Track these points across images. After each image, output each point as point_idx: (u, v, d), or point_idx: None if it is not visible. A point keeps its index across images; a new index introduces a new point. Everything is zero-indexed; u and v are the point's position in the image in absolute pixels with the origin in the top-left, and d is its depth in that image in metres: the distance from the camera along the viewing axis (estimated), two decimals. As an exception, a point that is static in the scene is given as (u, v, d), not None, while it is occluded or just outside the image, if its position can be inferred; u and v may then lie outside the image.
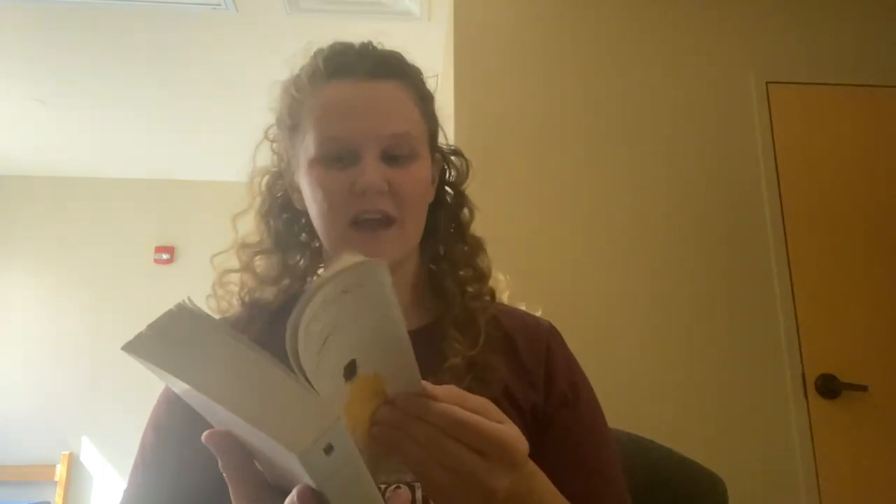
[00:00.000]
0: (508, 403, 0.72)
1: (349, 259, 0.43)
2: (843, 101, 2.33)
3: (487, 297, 0.82)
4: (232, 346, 0.42)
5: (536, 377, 0.76)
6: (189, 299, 0.46)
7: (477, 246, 0.85)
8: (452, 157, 0.87)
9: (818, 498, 1.96)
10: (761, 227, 2.19)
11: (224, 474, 0.44)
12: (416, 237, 0.78)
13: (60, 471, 3.75)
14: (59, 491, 3.71)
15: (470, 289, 0.81)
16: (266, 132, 0.85)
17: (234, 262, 0.83)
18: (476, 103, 2.22)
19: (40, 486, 3.73)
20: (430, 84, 0.84)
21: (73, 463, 3.81)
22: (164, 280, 3.95)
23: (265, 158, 0.85)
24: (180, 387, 0.43)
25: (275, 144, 0.84)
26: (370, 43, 0.79)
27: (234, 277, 0.82)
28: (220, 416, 0.44)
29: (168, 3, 2.50)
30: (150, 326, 0.42)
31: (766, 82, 2.32)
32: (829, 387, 2.05)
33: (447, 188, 0.86)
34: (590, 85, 2.29)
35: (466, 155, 0.88)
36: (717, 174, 2.24)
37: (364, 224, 0.72)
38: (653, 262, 2.14)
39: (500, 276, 0.88)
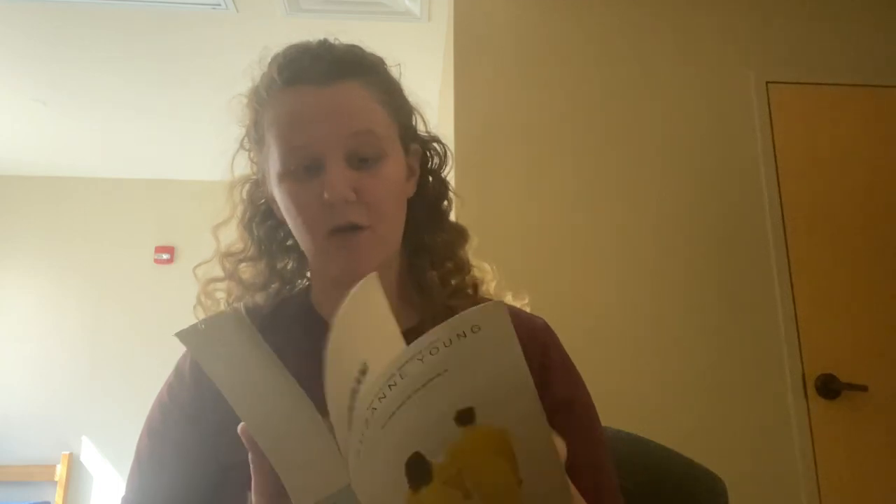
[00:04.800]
0: None
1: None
2: (843, 101, 2.33)
3: (469, 291, 0.81)
4: (271, 370, 0.42)
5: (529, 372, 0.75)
6: (242, 306, 0.47)
7: (458, 235, 0.83)
8: (433, 144, 0.84)
9: (818, 498, 1.96)
10: (761, 227, 2.19)
11: (251, 465, 0.46)
12: (394, 240, 0.76)
13: (60, 471, 3.75)
14: (59, 491, 3.71)
15: (452, 282, 0.80)
16: (241, 142, 0.83)
17: (218, 272, 0.81)
18: (476, 103, 2.22)
19: (40, 486, 3.73)
20: (395, 73, 0.80)
21: (73, 463, 3.81)
22: (164, 280, 3.95)
23: (242, 166, 0.84)
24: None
25: (251, 153, 0.82)
26: (326, 41, 0.76)
27: (220, 286, 0.80)
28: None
29: (168, 3, 2.50)
30: (205, 321, 0.44)
31: (766, 82, 2.32)
32: (829, 387, 2.04)
33: (429, 177, 0.83)
34: (589, 85, 2.29)
35: (446, 142, 0.86)
36: (717, 174, 2.24)
37: (339, 234, 0.70)
38: (652, 263, 2.14)
39: (487, 266, 0.87)
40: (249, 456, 0.46)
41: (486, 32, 2.32)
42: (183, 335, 0.43)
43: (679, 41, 2.37)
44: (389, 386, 0.39)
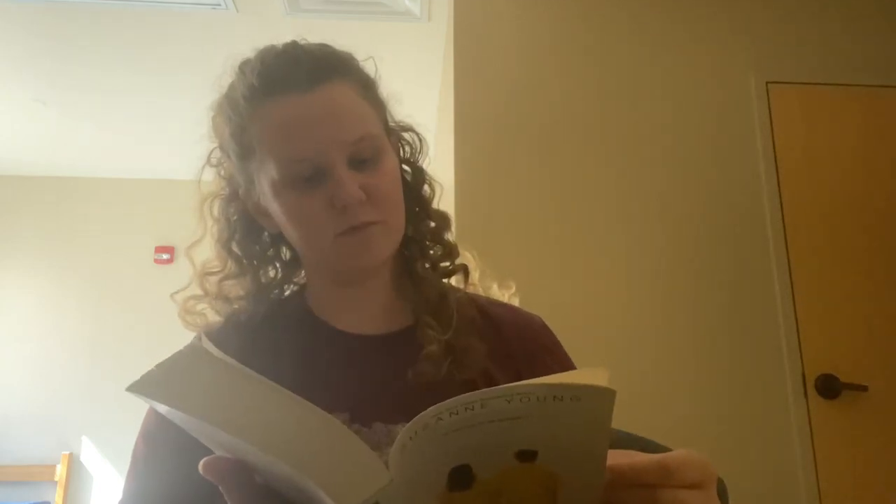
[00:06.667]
0: (488, 387, 0.71)
1: (581, 376, 0.41)
2: (843, 101, 2.33)
3: (461, 274, 0.82)
4: (265, 390, 0.41)
5: (525, 369, 0.76)
6: (201, 336, 0.45)
7: (442, 221, 0.83)
8: (404, 135, 0.84)
9: (818, 498, 1.96)
10: (761, 227, 2.19)
11: (226, 497, 0.44)
12: (402, 229, 0.76)
13: (60, 471, 3.75)
14: (59, 491, 3.71)
15: (442, 266, 0.81)
16: (209, 157, 0.82)
17: (198, 290, 0.79)
18: (477, 103, 2.22)
19: (40, 486, 3.73)
20: (368, 68, 0.78)
21: (73, 463, 3.81)
22: (164, 280, 3.93)
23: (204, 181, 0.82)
24: (173, 414, 0.42)
25: (221, 170, 0.81)
26: (296, 43, 0.74)
27: (203, 305, 0.79)
28: (221, 439, 0.43)
29: (168, 3, 2.50)
30: (160, 366, 0.41)
31: (766, 82, 2.32)
32: (829, 387, 2.04)
33: (405, 167, 0.83)
34: (590, 85, 2.29)
35: (419, 130, 0.85)
36: (718, 174, 2.24)
37: (352, 232, 0.70)
38: (653, 263, 2.14)
39: (469, 255, 0.87)
40: (222, 489, 0.43)
41: (486, 32, 2.32)
42: (139, 387, 0.40)
43: (679, 42, 2.37)
44: (466, 408, 0.38)
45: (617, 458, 0.43)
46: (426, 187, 0.84)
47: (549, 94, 2.26)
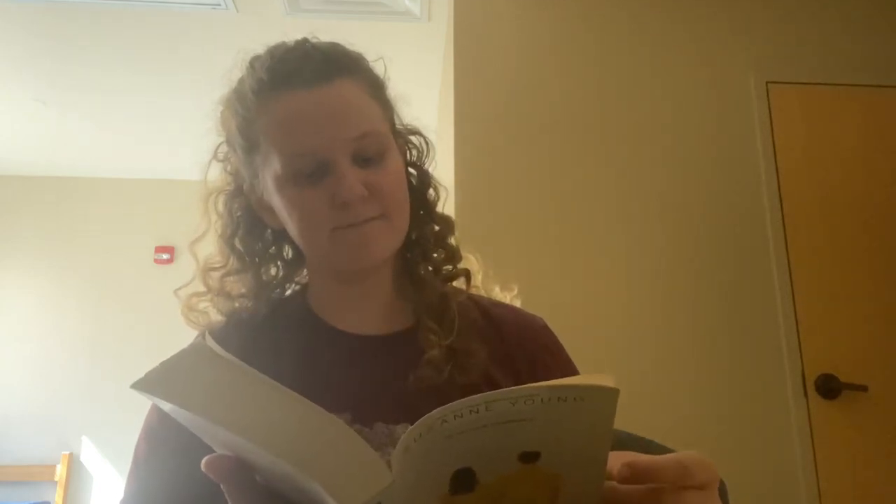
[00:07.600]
0: (490, 389, 0.72)
1: (585, 378, 0.42)
2: (843, 101, 2.33)
3: (462, 278, 0.82)
4: (268, 389, 0.41)
5: (525, 370, 0.76)
6: (205, 335, 0.45)
7: (446, 225, 0.83)
8: (411, 138, 0.84)
9: (818, 498, 1.96)
10: (761, 227, 2.19)
11: (227, 496, 0.44)
12: (404, 229, 0.76)
13: (60, 471, 3.75)
14: (59, 491, 3.71)
15: (444, 270, 0.81)
16: (215, 152, 0.82)
17: (200, 286, 0.79)
18: (477, 103, 2.22)
19: (40, 486, 3.73)
20: (378, 69, 0.78)
21: (73, 463, 3.81)
22: (164, 280, 3.94)
23: (212, 176, 0.82)
24: (177, 412, 0.42)
25: (227, 164, 0.81)
26: (306, 40, 0.74)
27: (204, 299, 0.79)
28: (223, 438, 0.43)
29: (168, 3, 2.50)
30: (164, 364, 0.42)
31: (766, 82, 2.32)
32: (829, 387, 2.05)
33: (411, 169, 0.83)
34: (590, 85, 2.29)
35: (426, 134, 0.85)
36: (718, 174, 2.24)
37: (350, 227, 0.70)
38: (653, 263, 2.14)
39: (472, 258, 0.87)
40: (223, 488, 0.43)
41: (486, 32, 2.32)
42: (143, 384, 0.41)
43: (679, 42, 2.37)
44: (471, 411, 0.39)
45: (621, 458, 0.43)
46: (431, 191, 0.83)
47: (549, 94, 2.26)
